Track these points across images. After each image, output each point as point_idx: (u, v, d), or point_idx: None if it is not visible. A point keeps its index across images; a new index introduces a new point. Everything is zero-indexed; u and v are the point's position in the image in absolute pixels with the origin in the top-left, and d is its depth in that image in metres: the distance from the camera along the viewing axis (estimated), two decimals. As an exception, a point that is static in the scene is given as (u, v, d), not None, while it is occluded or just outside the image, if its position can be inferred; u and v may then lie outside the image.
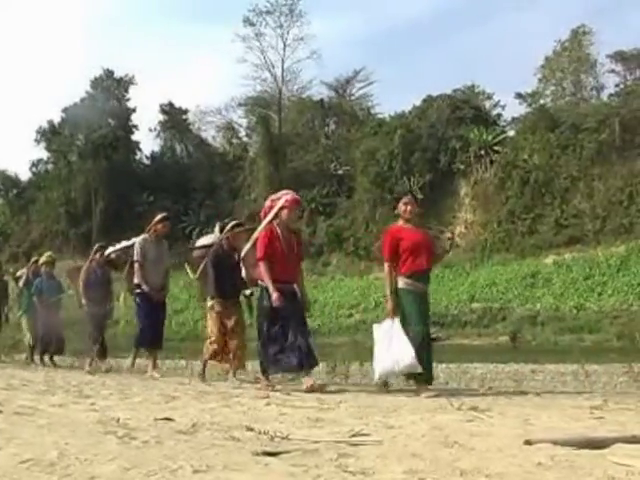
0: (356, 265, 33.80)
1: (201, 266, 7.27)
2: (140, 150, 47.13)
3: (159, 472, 2.45)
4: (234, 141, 47.81)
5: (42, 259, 11.07)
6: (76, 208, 43.18)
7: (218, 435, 3.35)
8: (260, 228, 6.25)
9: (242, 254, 6.60)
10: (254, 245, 6.21)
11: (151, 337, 7.96)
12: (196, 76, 70.28)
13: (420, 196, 33.98)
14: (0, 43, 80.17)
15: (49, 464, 2.58)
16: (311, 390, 5.63)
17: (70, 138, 44.96)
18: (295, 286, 6.18)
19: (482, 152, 33.97)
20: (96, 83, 45.55)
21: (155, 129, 47.51)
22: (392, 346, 5.55)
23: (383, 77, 70.73)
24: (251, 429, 3.49)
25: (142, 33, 77.81)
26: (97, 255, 9.39)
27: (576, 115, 33.67)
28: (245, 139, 47.90)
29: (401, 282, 5.74)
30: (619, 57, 38.00)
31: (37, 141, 46.24)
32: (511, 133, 36.81)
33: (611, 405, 4.76)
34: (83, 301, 9.28)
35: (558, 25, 65.13)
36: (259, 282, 6.15)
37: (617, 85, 38.18)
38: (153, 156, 47.52)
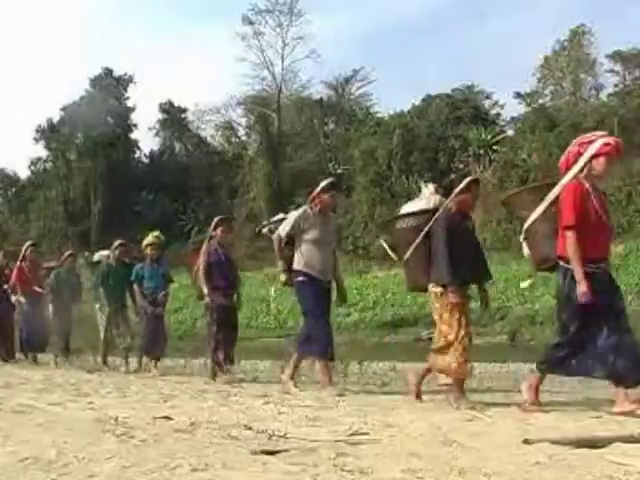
0: (354, 264, 33.72)
1: (416, 242, 4.98)
2: (139, 149, 47.04)
3: (157, 470, 2.45)
4: (233, 140, 47.75)
5: (147, 239, 8.75)
6: (75, 207, 43.15)
7: (216, 434, 3.35)
8: (561, 184, 4.37)
9: (527, 223, 4.58)
10: (551, 208, 4.40)
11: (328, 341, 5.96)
12: (195, 74, 69.84)
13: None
14: (-1, 41, 79.68)
15: (47, 462, 2.59)
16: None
17: (69, 137, 44.88)
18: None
19: (481, 151, 33.95)
20: (95, 82, 45.42)
21: (154, 128, 47.47)
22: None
23: (382, 76, 70.27)
24: (249, 428, 3.49)
25: (141, 31, 77.33)
26: (218, 230, 7.45)
27: (575, 115, 33.65)
28: (244, 138, 47.79)
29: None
30: (618, 57, 38.01)
31: (36, 139, 46.12)
32: (510, 132, 36.78)
33: (609, 404, 4.76)
34: (205, 290, 7.28)
35: (557, 25, 64.96)
36: (560, 262, 4.34)
37: (616, 85, 38.19)
38: (152, 155, 47.44)
